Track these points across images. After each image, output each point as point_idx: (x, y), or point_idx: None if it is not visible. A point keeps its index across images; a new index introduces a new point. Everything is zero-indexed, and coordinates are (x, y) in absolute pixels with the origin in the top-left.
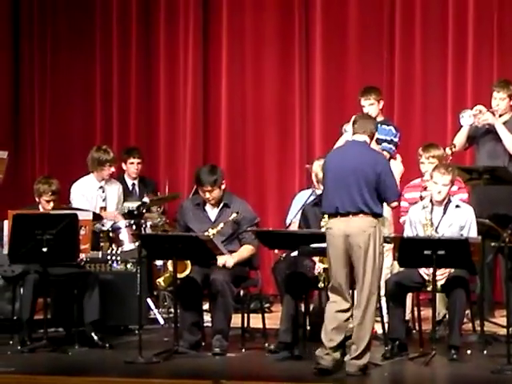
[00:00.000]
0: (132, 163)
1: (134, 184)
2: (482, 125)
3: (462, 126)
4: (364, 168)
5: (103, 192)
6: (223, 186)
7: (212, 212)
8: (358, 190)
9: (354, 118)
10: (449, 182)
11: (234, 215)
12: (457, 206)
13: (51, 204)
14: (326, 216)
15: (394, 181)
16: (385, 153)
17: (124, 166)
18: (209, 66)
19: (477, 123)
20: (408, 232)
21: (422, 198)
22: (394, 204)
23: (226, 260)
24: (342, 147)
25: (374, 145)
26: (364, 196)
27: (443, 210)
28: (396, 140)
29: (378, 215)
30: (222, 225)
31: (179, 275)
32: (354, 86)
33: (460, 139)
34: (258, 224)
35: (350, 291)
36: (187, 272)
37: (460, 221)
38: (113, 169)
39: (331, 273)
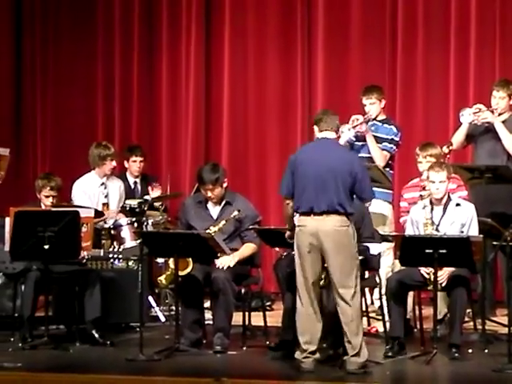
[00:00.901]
0: (134, 161)
1: (135, 182)
2: (482, 123)
3: (461, 124)
4: (341, 168)
5: (105, 188)
6: (225, 185)
7: (214, 210)
8: (335, 189)
9: (318, 114)
10: (445, 178)
11: (236, 213)
12: (457, 205)
13: (50, 199)
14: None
15: (369, 181)
16: (385, 152)
17: (126, 164)
18: (211, 62)
19: (476, 121)
20: (410, 232)
21: (421, 198)
22: (368, 204)
23: (225, 262)
24: (313, 145)
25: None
26: (340, 196)
27: (443, 209)
28: (397, 139)
29: (350, 214)
30: (223, 222)
31: (181, 273)
32: (356, 84)
33: (459, 137)
34: (260, 222)
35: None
36: (189, 269)
37: (461, 219)
38: (114, 163)
39: (301, 272)
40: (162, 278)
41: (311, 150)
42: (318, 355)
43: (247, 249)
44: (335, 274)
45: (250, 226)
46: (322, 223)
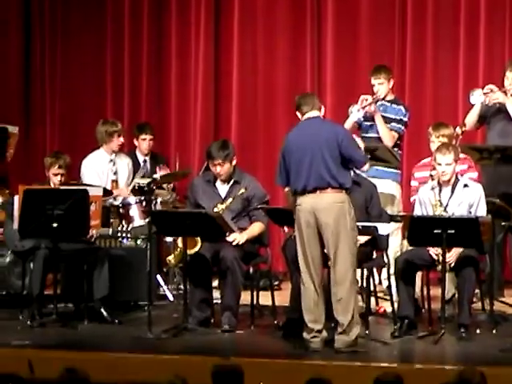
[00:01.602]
0: (144, 139)
1: (145, 160)
2: (493, 104)
3: (473, 105)
4: (326, 140)
5: (114, 165)
6: (234, 162)
7: (222, 188)
8: (324, 164)
9: (297, 101)
10: (452, 160)
11: (243, 190)
12: (465, 186)
13: (58, 177)
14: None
15: (357, 147)
16: (393, 133)
17: (136, 142)
18: (220, 42)
19: (487, 102)
20: (418, 212)
21: (432, 177)
22: (366, 167)
23: (237, 237)
24: (297, 128)
25: None
26: (330, 169)
27: (451, 190)
28: (406, 119)
29: (346, 188)
30: (230, 200)
31: (189, 251)
32: (366, 65)
33: (471, 118)
34: (268, 201)
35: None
36: (197, 248)
37: (469, 199)
38: (122, 139)
39: (302, 251)
40: (171, 258)
41: (297, 133)
42: (325, 334)
43: (255, 228)
44: (329, 251)
45: (259, 206)
46: (318, 200)
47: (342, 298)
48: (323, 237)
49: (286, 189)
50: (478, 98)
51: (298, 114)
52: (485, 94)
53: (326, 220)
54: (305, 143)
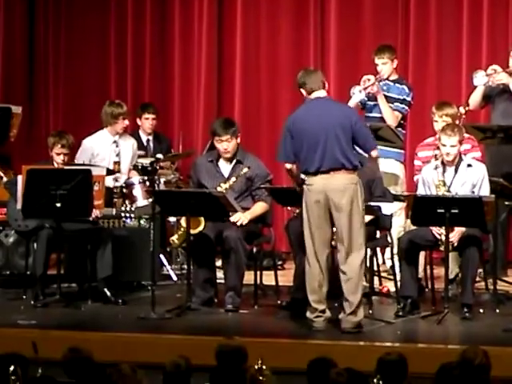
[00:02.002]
0: (147, 118)
1: (148, 140)
2: (497, 84)
3: (475, 87)
4: (339, 122)
5: (117, 147)
6: (239, 140)
7: (225, 168)
8: (338, 144)
9: (300, 78)
10: (456, 142)
11: (246, 169)
12: (469, 165)
13: (61, 157)
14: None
15: (368, 130)
16: (397, 113)
17: (139, 122)
18: (223, 22)
19: (491, 83)
20: (421, 192)
21: (436, 157)
22: (375, 153)
23: (241, 217)
24: (308, 107)
25: None
26: (344, 151)
27: (455, 170)
28: (409, 99)
29: (356, 168)
30: (233, 179)
31: (193, 231)
32: (369, 45)
33: (475, 98)
34: (271, 181)
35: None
36: (201, 228)
37: (472, 179)
38: (126, 122)
39: (309, 231)
40: (175, 238)
41: (307, 112)
42: (328, 314)
43: (258, 207)
44: (341, 231)
45: (262, 185)
46: (330, 181)
47: (352, 278)
48: (334, 217)
49: (288, 165)
50: (481, 79)
51: (302, 90)
52: (488, 74)
53: (340, 200)
54: (317, 124)
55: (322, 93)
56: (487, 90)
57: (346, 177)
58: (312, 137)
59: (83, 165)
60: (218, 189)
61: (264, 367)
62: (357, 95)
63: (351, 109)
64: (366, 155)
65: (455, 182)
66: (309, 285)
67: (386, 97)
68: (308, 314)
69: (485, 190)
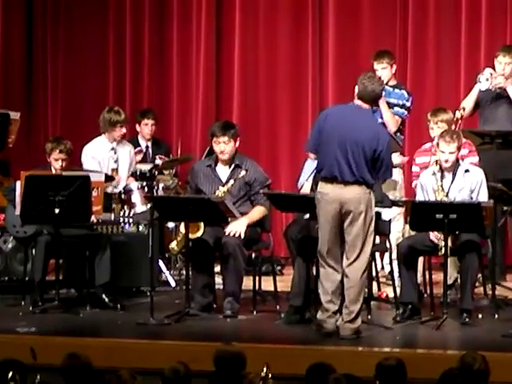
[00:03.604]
0: (146, 124)
1: (147, 146)
2: (495, 88)
3: (469, 92)
4: (369, 142)
5: (115, 153)
6: (237, 144)
7: (223, 173)
8: (359, 163)
9: (361, 77)
10: (455, 149)
11: (243, 173)
12: (466, 171)
13: (59, 162)
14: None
15: (391, 161)
16: (397, 117)
17: (138, 128)
18: (222, 28)
19: (491, 87)
20: (420, 197)
21: (437, 162)
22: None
23: (236, 229)
24: (345, 109)
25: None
26: (362, 169)
27: (452, 176)
28: (408, 104)
29: (371, 185)
30: (232, 182)
31: (191, 236)
32: (367, 50)
33: (469, 103)
34: (270, 186)
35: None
36: (199, 233)
37: (470, 184)
38: (124, 130)
39: (322, 237)
40: (174, 245)
41: (343, 115)
42: (338, 316)
43: (257, 212)
44: (351, 238)
45: (261, 190)
46: (344, 191)
47: (354, 287)
48: (346, 225)
49: (312, 155)
50: (485, 83)
51: (356, 89)
52: (487, 79)
53: (356, 210)
54: (347, 134)
55: (364, 105)
56: (480, 96)
57: (359, 188)
58: (337, 144)
59: (81, 171)
60: (217, 192)
61: (270, 375)
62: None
63: (384, 132)
64: None
65: (453, 187)
66: (322, 286)
67: (385, 102)
68: (319, 315)
69: (483, 195)
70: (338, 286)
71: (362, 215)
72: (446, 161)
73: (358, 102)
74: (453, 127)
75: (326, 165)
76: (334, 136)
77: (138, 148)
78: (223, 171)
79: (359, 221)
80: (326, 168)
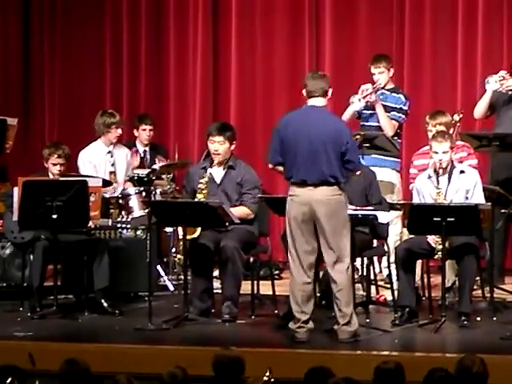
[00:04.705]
0: (144, 129)
1: (145, 151)
2: (506, 91)
3: (482, 95)
4: (332, 138)
5: (112, 157)
6: (233, 146)
7: (217, 174)
8: (327, 161)
9: (305, 78)
10: (448, 148)
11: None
12: (461, 172)
13: (57, 167)
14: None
15: (357, 150)
16: (394, 122)
17: (136, 133)
18: (219, 32)
19: (501, 89)
20: (416, 201)
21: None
22: (358, 172)
23: None
24: (301, 113)
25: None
26: (332, 167)
27: (448, 177)
28: (405, 108)
29: (341, 184)
30: (204, 186)
31: (189, 236)
32: (364, 54)
33: (481, 107)
34: (260, 188)
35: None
36: (197, 234)
37: (466, 185)
38: (119, 131)
39: (291, 243)
40: (180, 256)
41: (301, 119)
42: (311, 325)
43: (240, 211)
44: (328, 242)
45: (259, 195)
46: (315, 193)
47: (343, 289)
48: (319, 229)
49: (279, 168)
50: (493, 85)
51: (303, 92)
52: (499, 81)
53: (325, 212)
54: (308, 136)
55: (319, 101)
56: (493, 98)
57: (330, 189)
58: (301, 148)
59: (81, 176)
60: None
61: (272, 380)
62: (356, 104)
63: (345, 125)
64: (363, 162)
65: (449, 189)
66: (293, 295)
67: (383, 106)
68: (291, 324)
69: (478, 196)
70: (308, 294)
71: (334, 217)
72: (441, 161)
73: (310, 102)
74: (451, 130)
75: (294, 171)
76: (297, 141)
77: (134, 148)
78: (218, 172)
79: (331, 223)
80: (294, 174)
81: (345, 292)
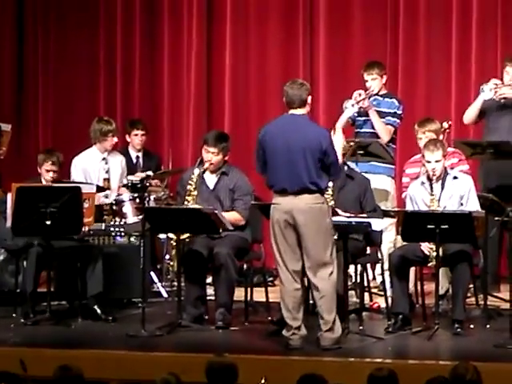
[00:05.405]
0: (136, 135)
1: (138, 157)
2: (499, 99)
3: (471, 103)
4: (310, 145)
5: (106, 164)
6: (226, 157)
7: (210, 180)
8: (306, 169)
9: (284, 87)
10: (441, 157)
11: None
12: (454, 178)
13: (51, 174)
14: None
15: (337, 157)
16: (389, 127)
17: (128, 138)
18: (213, 37)
19: (495, 97)
20: (409, 208)
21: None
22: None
23: None
24: (281, 122)
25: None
26: (312, 175)
27: (441, 184)
28: (400, 112)
29: (323, 191)
30: (191, 187)
31: (181, 236)
32: (358, 60)
33: (471, 113)
34: (253, 195)
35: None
36: (186, 235)
37: (459, 191)
38: (115, 139)
39: (277, 251)
40: (173, 263)
41: (280, 128)
42: (304, 331)
43: (231, 216)
44: (309, 249)
45: (253, 202)
46: (296, 201)
47: (326, 296)
48: (302, 237)
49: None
50: (488, 93)
51: (284, 100)
52: (493, 89)
53: (306, 221)
54: (287, 144)
55: (299, 111)
56: (485, 105)
57: (311, 197)
58: (280, 156)
59: (73, 182)
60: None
61: None
62: (349, 109)
63: (323, 131)
64: (357, 169)
65: (443, 196)
66: (283, 302)
67: (377, 112)
68: (284, 332)
69: (473, 201)
70: (298, 301)
71: (315, 225)
72: (434, 169)
73: (291, 111)
74: (441, 137)
75: (275, 180)
76: (276, 150)
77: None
78: (211, 178)
79: (312, 231)
80: (275, 183)
81: (327, 299)
